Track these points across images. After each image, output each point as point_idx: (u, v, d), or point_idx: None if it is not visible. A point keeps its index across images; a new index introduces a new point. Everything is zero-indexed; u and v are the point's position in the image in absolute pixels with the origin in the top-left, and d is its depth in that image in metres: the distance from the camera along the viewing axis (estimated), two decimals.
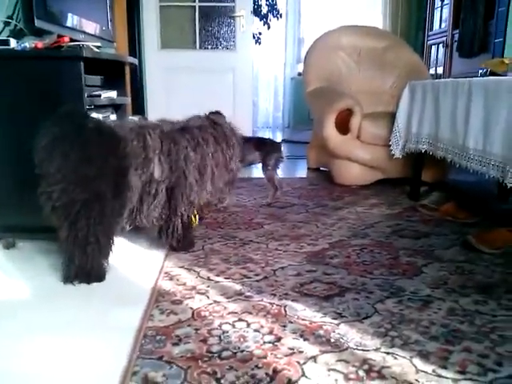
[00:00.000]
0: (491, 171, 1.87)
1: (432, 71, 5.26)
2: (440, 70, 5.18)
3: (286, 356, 1.09)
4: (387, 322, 1.27)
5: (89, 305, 1.38)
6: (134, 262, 1.72)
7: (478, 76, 2.49)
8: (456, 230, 2.11)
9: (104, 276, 1.53)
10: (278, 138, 5.97)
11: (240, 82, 4.14)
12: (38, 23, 1.68)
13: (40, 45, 1.74)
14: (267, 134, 5.46)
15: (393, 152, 2.78)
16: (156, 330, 1.20)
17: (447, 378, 1.02)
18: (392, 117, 2.83)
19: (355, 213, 2.44)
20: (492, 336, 1.20)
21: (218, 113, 2.02)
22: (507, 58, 2.67)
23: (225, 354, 1.09)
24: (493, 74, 2.41)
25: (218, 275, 1.57)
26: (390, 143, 2.80)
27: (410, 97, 2.69)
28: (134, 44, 3.98)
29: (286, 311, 1.32)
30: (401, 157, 2.77)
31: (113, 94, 2.16)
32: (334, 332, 1.20)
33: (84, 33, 2.13)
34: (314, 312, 1.31)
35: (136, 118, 2.45)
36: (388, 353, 1.11)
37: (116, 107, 2.28)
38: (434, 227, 2.17)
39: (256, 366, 1.04)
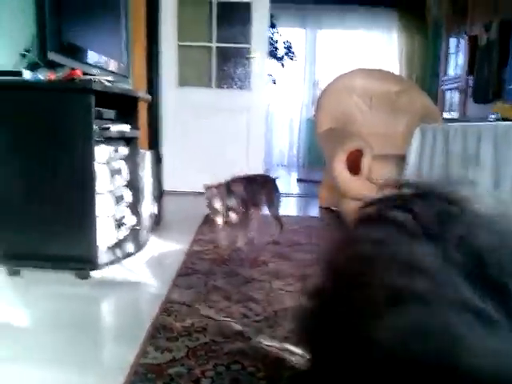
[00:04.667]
0: None
1: (447, 115, 5.28)
2: (456, 115, 5.20)
3: None
4: None
5: (85, 338, 1.35)
6: (137, 295, 1.69)
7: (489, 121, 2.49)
8: None
9: None
10: (293, 177, 5.97)
11: (254, 121, 4.19)
12: (50, 55, 1.72)
13: (52, 76, 1.79)
14: (281, 173, 5.44)
15: None
16: (148, 368, 1.15)
17: None
18: (403, 159, 2.81)
19: None
20: None
21: None
22: None
23: None
24: (504, 119, 2.40)
25: (217, 313, 1.52)
26: None
27: (420, 140, 2.66)
28: (153, 81, 4.09)
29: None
30: None
31: (125, 127, 2.19)
32: None
33: (99, 68, 2.19)
34: None
35: None
36: None
37: (128, 140, 2.31)
38: None
39: None
